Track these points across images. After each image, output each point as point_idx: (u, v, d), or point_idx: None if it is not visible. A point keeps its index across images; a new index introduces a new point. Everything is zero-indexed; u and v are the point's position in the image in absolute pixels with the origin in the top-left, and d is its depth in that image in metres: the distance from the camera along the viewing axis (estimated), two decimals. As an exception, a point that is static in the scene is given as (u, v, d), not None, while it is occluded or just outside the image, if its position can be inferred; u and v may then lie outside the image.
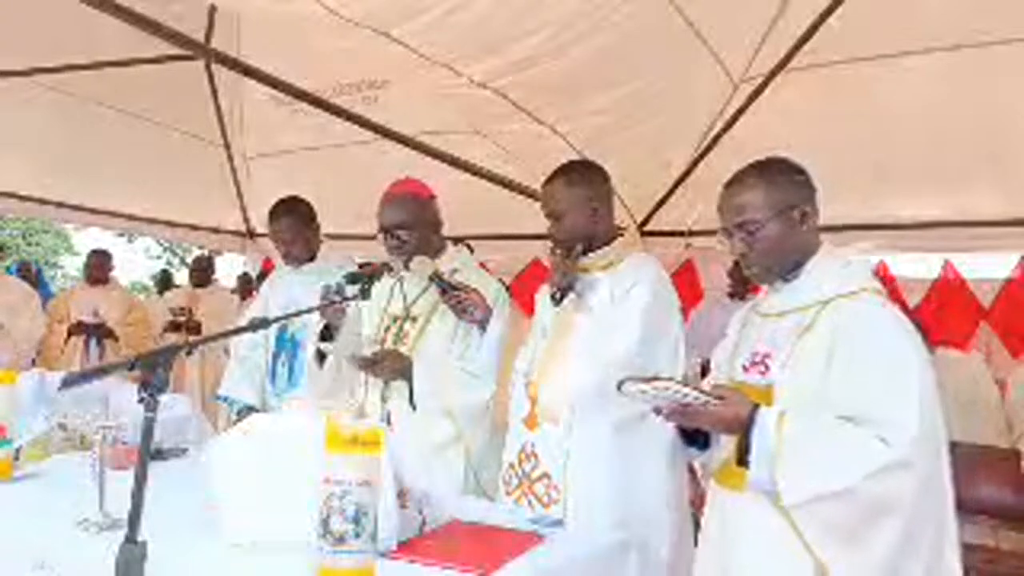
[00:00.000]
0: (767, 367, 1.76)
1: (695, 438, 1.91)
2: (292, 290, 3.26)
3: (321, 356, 2.77)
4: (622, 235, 2.49)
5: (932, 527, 1.60)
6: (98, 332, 5.32)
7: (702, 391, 1.66)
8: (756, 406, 1.64)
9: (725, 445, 1.79)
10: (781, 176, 1.80)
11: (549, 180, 2.44)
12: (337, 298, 2.49)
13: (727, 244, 1.84)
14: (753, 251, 1.79)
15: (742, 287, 4.72)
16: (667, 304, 2.34)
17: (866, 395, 1.58)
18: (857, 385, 1.59)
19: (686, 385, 1.66)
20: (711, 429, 1.79)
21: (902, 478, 1.54)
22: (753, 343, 1.83)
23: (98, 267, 5.64)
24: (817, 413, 1.62)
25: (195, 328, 5.94)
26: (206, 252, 6.97)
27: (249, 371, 3.34)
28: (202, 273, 6.54)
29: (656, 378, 1.69)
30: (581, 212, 2.38)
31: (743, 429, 1.63)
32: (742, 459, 1.64)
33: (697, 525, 2.02)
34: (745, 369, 1.81)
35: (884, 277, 4.41)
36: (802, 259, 1.80)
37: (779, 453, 1.58)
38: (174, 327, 5.97)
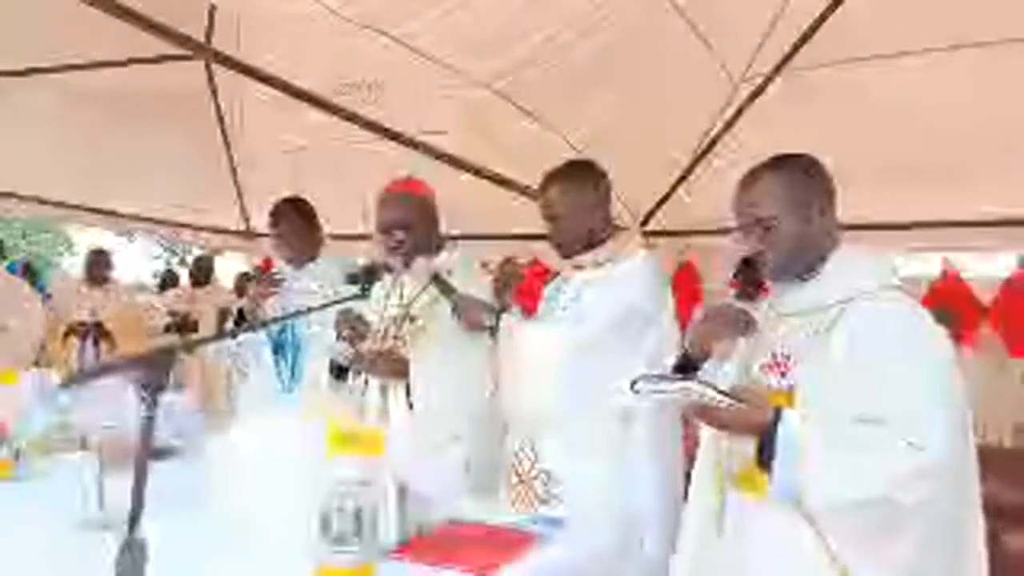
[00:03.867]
0: (787, 368, 1.72)
1: None
2: (292, 291, 3.25)
3: (339, 371, 2.72)
4: (608, 234, 2.46)
5: (955, 529, 1.58)
6: (96, 332, 5.33)
7: (721, 392, 1.61)
8: (779, 409, 1.60)
9: (743, 448, 1.72)
10: (797, 171, 1.77)
11: (545, 183, 2.43)
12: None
13: (742, 242, 1.80)
14: (769, 248, 1.76)
15: (753, 288, 4.65)
16: (619, 328, 2.29)
17: (890, 397, 1.54)
18: (880, 386, 1.55)
19: (704, 385, 1.61)
20: (732, 432, 1.72)
21: (927, 482, 1.50)
22: (771, 343, 1.78)
23: (97, 267, 5.64)
24: (840, 415, 1.58)
25: (193, 328, 5.95)
26: (206, 252, 6.97)
27: None
28: (201, 273, 6.56)
29: (669, 377, 1.65)
30: (578, 214, 2.37)
31: (765, 432, 1.59)
32: (762, 462, 1.60)
33: None
34: (764, 370, 1.77)
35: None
36: (820, 256, 1.76)
37: (803, 457, 1.54)
38: (174, 328, 5.98)
